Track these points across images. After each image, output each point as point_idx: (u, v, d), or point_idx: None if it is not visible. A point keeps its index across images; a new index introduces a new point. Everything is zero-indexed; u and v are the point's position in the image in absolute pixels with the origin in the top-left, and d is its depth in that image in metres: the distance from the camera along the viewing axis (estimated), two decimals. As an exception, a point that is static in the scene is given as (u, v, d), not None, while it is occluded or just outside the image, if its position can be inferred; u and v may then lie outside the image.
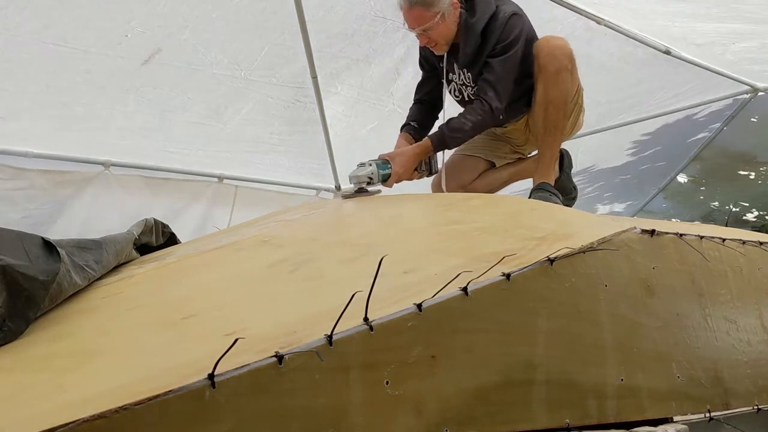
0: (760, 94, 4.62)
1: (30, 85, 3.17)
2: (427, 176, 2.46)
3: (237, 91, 3.62)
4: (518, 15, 2.33)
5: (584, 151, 4.84)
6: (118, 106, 3.43)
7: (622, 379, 1.37)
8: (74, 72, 3.16)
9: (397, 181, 2.32)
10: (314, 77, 3.65)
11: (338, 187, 4.62)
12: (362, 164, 2.27)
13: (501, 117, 2.36)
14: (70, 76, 3.18)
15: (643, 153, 5.19)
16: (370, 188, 2.26)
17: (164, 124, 3.66)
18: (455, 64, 2.42)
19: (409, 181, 2.38)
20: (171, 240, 2.09)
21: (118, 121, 3.53)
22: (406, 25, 2.33)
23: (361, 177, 2.24)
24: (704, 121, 4.91)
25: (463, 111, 2.37)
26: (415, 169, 2.35)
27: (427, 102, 2.58)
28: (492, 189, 2.68)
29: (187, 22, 3.12)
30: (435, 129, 2.44)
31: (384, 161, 2.28)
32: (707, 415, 1.57)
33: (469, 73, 2.40)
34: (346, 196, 2.29)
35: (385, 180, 2.28)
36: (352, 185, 2.28)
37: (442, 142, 2.34)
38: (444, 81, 2.48)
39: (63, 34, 2.97)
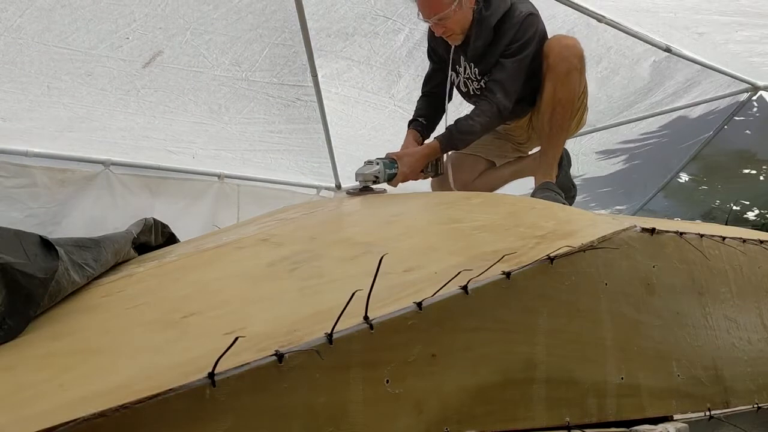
0: (760, 92, 4.61)
1: (31, 87, 3.17)
2: (433, 176, 2.45)
3: (238, 92, 3.62)
4: (534, 15, 2.30)
5: (585, 152, 4.84)
6: (119, 107, 3.43)
7: (622, 378, 1.37)
8: (75, 74, 3.17)
9: (403, 181, 2.30)
10: (314, 76, 3.65)
11: (338, 186, 4.62)
12: (369, 162, 2.24)
13: (507, 117, 2.34)
14: (72, 78, 3.18)
15: (643, 152, 5.18)
16: (374, 187, 2.24)
17: (165, 124, 3.67)
18: (462, 57, 2.40)
19: (414, 181, 2.37)
20: (170, 240, 2.08)
21: (119, 122, 3.54)
22: (421, 16, 2.28)
23: (368, 175, 2.22)
24: (705, 120, 4.89)
25: (471, 112, 2.33)
26: (422, 171, 2.34)
27: (434, 95, 2.55)
28: (493, 188, 2.67)
29: (188, 24, 3.13)
30: (441, 129, 2.42)
31: (391, 160, 2.26)
32: (707, 413, 1.57)
33: (476, 68, 2.37)
34: (350, 193, 2.28)
35: (391, 179, 2.26)
36: (357, 182, 2.26)
37: (450, 143, 2.32)
38: (450, 72, 2.45)
39: (64, 36, 2.98)
